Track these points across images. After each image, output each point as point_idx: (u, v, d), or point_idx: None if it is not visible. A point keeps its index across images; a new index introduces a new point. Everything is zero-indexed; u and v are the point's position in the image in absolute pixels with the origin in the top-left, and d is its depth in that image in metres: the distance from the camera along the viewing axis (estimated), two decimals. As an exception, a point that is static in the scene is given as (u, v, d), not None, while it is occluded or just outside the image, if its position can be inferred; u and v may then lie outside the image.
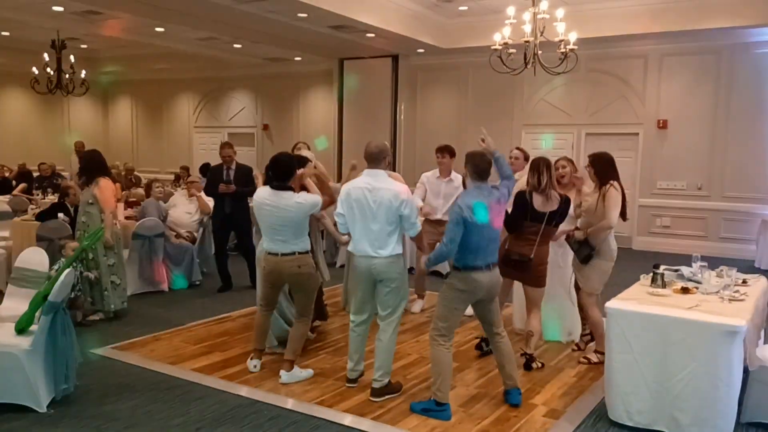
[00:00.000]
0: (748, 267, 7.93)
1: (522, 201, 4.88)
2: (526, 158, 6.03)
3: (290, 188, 4.58)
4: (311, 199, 4.62)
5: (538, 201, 4.85)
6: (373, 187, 4.27)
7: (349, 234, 4.45)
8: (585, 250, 5.08)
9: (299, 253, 4.61)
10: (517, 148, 6.32)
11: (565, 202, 4.95)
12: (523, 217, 4.86)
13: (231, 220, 7.39)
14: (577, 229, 5.19)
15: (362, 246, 4.31)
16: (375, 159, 4.36)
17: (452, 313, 4.18)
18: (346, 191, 4.37)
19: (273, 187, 4.57)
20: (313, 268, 4.76)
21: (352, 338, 4.57)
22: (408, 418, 4.12)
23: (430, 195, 6.63)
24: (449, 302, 4.17)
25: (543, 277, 5.02)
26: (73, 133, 16.79)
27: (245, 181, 7.30)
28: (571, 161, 5.71)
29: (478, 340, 5.51)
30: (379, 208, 4.23)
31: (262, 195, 4.60)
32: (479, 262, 4.07)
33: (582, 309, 5.48)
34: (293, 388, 4.59)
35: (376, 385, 4.36)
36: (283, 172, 4.59)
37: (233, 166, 7.38)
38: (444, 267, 8.30)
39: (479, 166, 4.15)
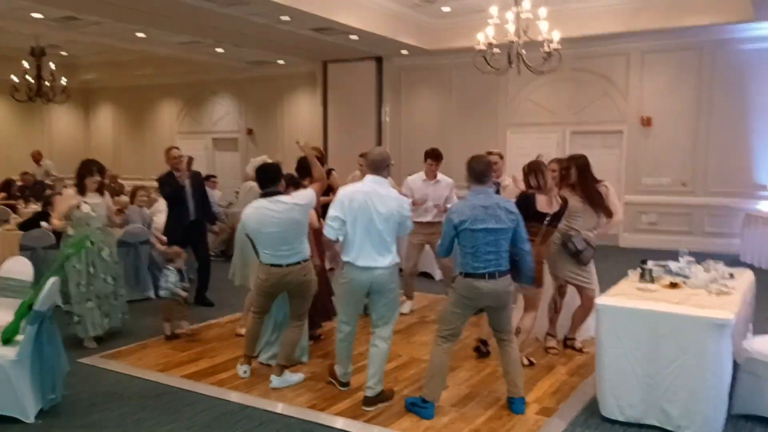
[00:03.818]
0: (733, 261, 8.01)
1: (525, 202, 4.74)
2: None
3: (281, 192, 4.62)
4: (306, 195, 4.63)
5: (542, 202, 4.82)
6: (379, 194, 4.19)
7: (338, 241, 4.31)
8: (590, 252, 5.19)
9: (303, 261, 4.63)
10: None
11: (564, 204, 4.98)
12: (523, 218, 4.78)
13: (193, 228, 6.93)
14: (574, 229, 5.19)
15: (365, 255, 4.17)
16: (378, 166, 4.29)
17: (453, 316, 4.18)
18: (348, 196, 4.21)
19: (266, 195, 4.56)
20: (314, 274, 4.77)
21: (340, 346, 4.55)
22: (400, 419, 4.10)
23: (417, 198, 6.59)
24: (450, 305, 4.22)
25: (540, 277, 5.00)
26: (54, 141, 16.64)
27: (202, 186, 7.18)
28: (560, 162, 5.72)
29: (467, 338, 5.49)
30: (386, 215, 4.16)
31: (262, 205, 4.53)
32: (479, 270, 4.02)
33: (557, 311, 5.52)
34: (284, 392, 4.57)
35: (369, 393, 4.29)
36: (273, 177, 4.62)
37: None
38: (435, 271, 8.32)
39: (475, 169, 4.10)
